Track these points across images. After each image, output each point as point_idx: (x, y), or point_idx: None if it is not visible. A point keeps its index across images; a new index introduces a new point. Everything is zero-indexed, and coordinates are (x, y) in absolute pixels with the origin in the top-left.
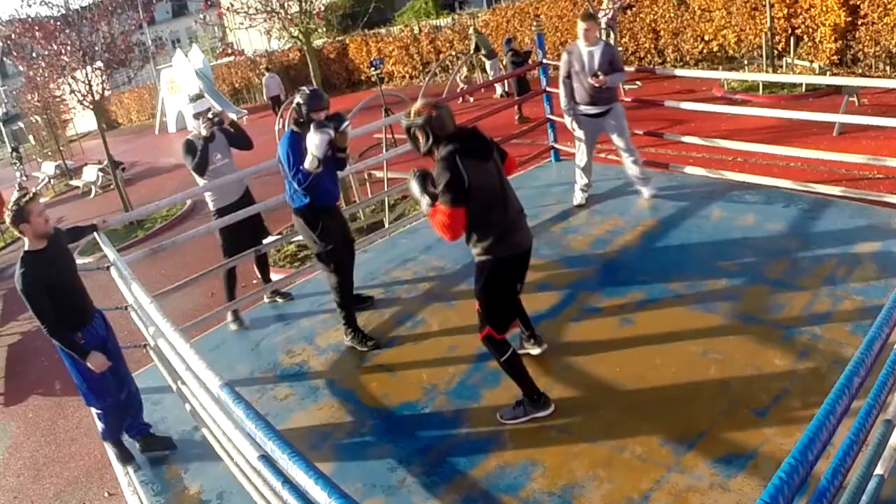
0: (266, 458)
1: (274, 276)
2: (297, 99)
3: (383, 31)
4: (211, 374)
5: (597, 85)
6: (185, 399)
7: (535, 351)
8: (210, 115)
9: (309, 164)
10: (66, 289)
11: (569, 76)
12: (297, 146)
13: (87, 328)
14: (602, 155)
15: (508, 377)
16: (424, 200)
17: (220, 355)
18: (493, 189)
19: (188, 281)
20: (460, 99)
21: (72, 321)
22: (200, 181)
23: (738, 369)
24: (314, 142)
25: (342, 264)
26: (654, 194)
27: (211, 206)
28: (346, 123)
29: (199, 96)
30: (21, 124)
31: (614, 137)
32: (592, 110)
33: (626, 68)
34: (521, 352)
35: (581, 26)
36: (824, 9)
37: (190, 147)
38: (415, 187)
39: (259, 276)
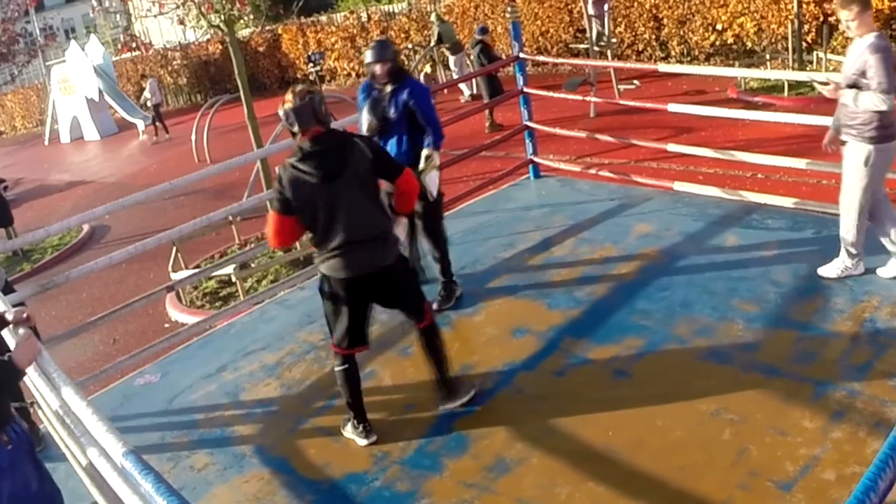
0: None
1: (191, 319)
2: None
3: (324, 18)
4: (113, 438)
5: (827, 95)
6: (82, 469)
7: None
8: None
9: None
10: None
11: None
12: (363, 95)
13: (12, 427)
14: (592, 171)
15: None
16: None
17: (124, 416)
18: (329, 209)
19: (85, 325)
20: None
21: None
22: None
23: (757, 433)
24: (430, 178)
25: None
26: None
27: None
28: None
29: None
30: None
31: None
32: (844, 134)
33: (621, 64)
34: None
35: (841, 16)
36: None
37: None
38: None
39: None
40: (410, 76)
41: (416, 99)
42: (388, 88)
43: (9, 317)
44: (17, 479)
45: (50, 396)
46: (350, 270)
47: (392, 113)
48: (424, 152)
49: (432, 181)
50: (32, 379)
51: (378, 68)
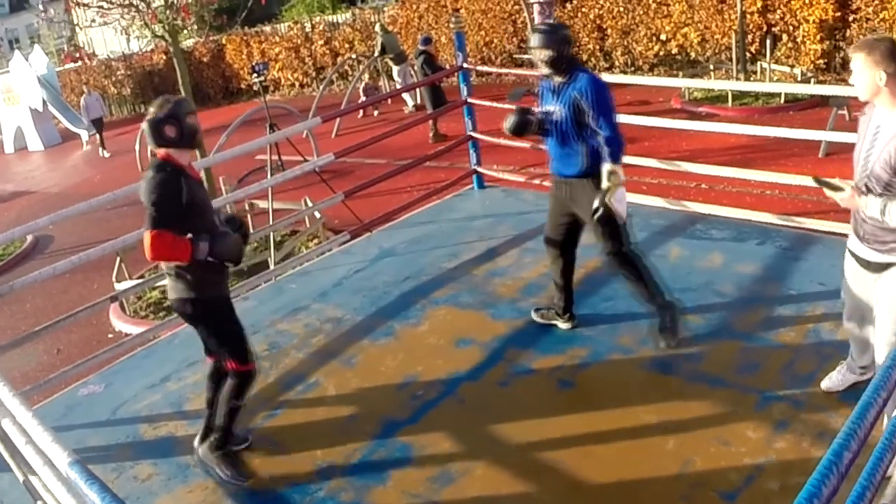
0: None
1: (135, 329)
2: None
3: (268, 28)
4: (58, 448)
5: (842, 205)
6: (26, 479)
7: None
8: None
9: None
10: None
11: None
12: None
13: None
14: (536, 181)
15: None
16: None
17: (68, 425)
18: None
19: (29, 335)
20: (361, 112)
21: None
22: None
23: (701, 443)
24: (617, 197)
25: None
26: None
27: None
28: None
29: None
30: None
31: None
32: (859, 250)
33: None
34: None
35: (858, 59)
36: (808, 1)
37: None
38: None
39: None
40: (583, 68)
41: (587, 95)
42: (557, 80)
43: None
44: None
45: None
46: None
47: (554, 107)
48: (606, 167)
49: (620, 201)
50: None
51: (536, 55)
